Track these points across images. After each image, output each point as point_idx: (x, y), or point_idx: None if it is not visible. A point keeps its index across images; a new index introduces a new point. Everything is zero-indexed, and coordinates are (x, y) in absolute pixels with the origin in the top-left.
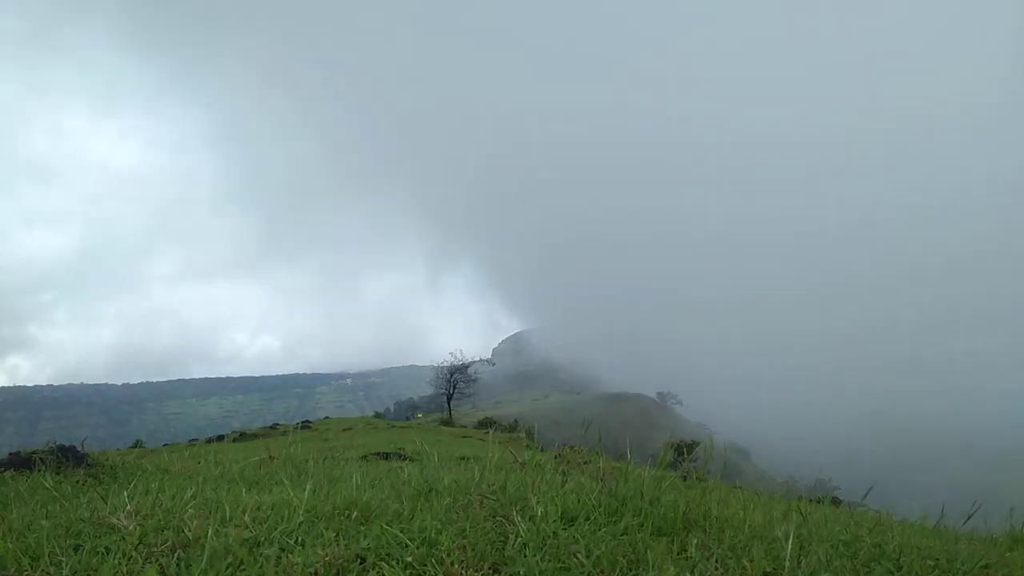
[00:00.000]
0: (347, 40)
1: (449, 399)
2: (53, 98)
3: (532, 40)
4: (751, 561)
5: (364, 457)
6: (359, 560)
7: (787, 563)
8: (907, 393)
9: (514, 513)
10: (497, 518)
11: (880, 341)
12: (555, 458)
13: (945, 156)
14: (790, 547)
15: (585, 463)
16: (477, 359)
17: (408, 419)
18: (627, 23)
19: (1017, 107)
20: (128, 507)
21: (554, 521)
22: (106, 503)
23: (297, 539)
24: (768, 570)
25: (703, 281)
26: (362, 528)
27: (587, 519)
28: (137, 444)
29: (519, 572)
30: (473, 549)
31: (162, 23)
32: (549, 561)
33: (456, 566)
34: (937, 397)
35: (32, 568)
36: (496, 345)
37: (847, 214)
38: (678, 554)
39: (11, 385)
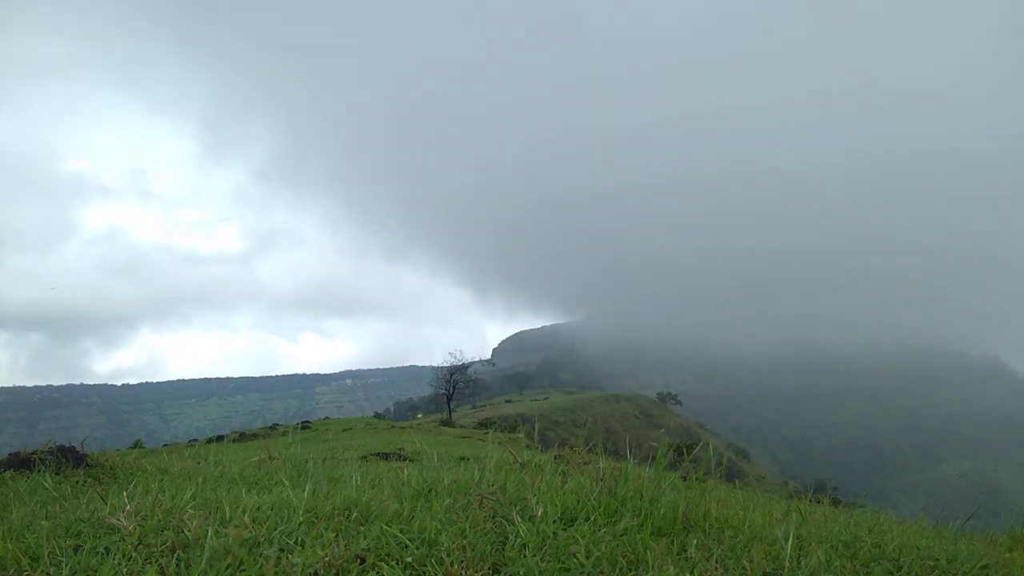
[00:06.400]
0: (344, 45)
1: (449, 399)
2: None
3: (532, 36)
4: (751, 561)
5: (364, 457)
6: (359, 560)
7: (787, 563)
8: None
9: (514, 513)
10: (497, 518)
11: None
12: (555, 458)
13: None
14: (790, 547)
15: (585, 463)
16: (477, 359)
17: (410, 419)
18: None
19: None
20: (128, 507)
21: (554, 522)
22: (106, 503)
23: (297, 539)
24: (768, 570)
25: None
26: (362, 528)
27: (587, 519)
28: (137, 445)
29: (519, 572)
30: (473, 549)
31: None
32: (549, 562)
33: (456, 566)
34: None
35: (32, 568)
36: (496, 345)
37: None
38: (678, 554)
39: (11, 385)
